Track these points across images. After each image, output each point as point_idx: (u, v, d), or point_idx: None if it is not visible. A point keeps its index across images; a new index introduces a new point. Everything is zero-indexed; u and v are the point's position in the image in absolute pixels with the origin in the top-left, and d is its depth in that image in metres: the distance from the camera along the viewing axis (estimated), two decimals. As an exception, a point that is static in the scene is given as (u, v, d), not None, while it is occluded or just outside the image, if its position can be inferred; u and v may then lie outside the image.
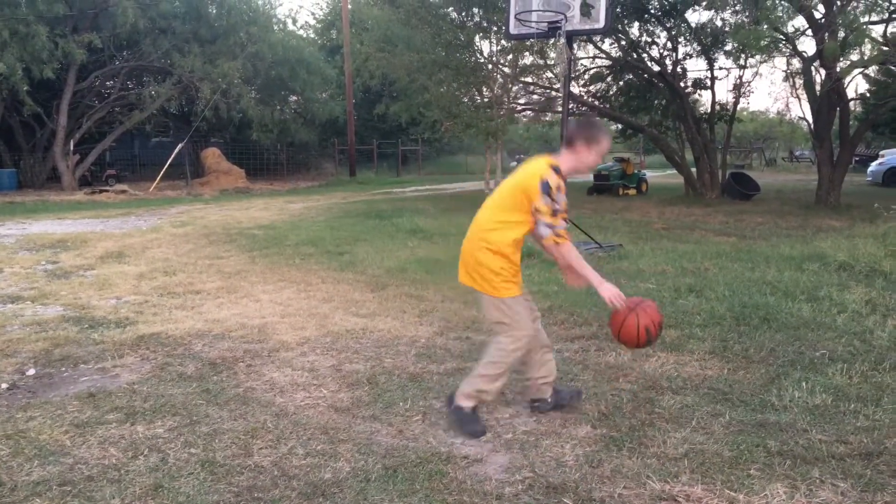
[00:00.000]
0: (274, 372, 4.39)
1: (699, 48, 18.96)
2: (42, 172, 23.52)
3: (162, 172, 23.30)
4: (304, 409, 3.77)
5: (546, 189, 3.26)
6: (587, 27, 8.04)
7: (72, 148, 22.58)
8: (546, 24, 7.91)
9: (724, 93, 44.75)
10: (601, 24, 7.88)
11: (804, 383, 3.95)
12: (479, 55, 14.29)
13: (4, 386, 4.17)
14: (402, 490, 2.87)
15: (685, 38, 19.13)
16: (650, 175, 26.29)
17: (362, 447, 3.28)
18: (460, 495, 2.83)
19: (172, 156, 23.60)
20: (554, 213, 3.30)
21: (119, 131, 24.23)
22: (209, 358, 4.67)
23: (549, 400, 3.70)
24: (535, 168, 3.35)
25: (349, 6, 27.73)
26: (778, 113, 31.27)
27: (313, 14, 53.97)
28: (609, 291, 3.38)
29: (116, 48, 23.64)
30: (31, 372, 4.44)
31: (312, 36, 36.20)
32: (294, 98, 29.95)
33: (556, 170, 3.31)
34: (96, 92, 25.19)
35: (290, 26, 33.07)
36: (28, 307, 6.17)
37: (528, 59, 15.28)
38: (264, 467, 3.09)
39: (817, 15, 14.98)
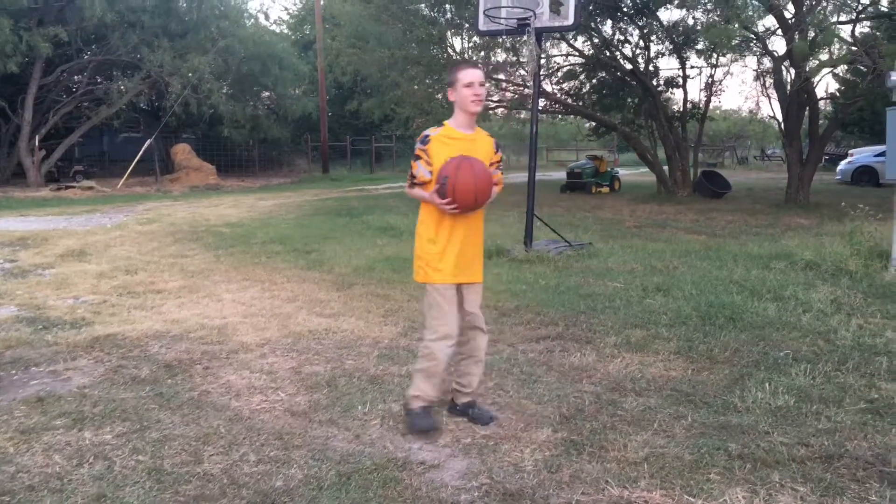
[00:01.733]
0: (231, 374, 4.28)
1: (671, 47, 19.05)
2: (7, 168, 23.06)
3: (130, 168, 22.92)
4: (259, 414, 3.66)
5: None
6: (556, 24, 7.97)
7: (37, 143, 22.15)
8: (515, 20, 7.84)
9: (696, 91, 45.12)
10: (570, 20, 7.83)
11: (767, 384, 3.92)
12: (451, 51, 14.20)
13: (-50, 390, 4.02)
14: (355, 498, 2.78)
15: (657, 37, 19.21)
16: (623, 173, 26.37)
17: (317, 453, 3.19)
18: (414, 503, 2.75)
19: (141, 152, 23.23)
20: (415, 159, 3.40)
21: (86, 126, 23.82)
22: (165, 360, 4.54)
23: (458, 407, 3.63)
24: None
25: (322, 2, 27.50)
26: (749, 112, 31.46)
27: (286, 9, 53.51)
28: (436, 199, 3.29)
29: (83, 42, 23.23)
30: (-21, 375, 4.29)
31: (286, 31, 35.88)
32: (266, 94, 29.67)
33: (439, 124, 3.48)
34: (63, 86, 24.73)
35: (263, 21, 32.83)
36: (-19, 307, 5.99)
37: (500, 57, 15.23)
38: (214, 475, 2.99)
39: (787, 14, 15.11)
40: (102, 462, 3.11)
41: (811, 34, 14.23)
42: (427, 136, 3.36)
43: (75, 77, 25.04)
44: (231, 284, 6.93)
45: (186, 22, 23.65)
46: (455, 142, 3.35)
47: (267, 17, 48.18)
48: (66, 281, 7.04)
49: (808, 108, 16.88)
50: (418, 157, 3.34)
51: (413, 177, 3.38)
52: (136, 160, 23.12)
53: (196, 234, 10.70)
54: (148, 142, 23.45)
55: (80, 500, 2.78)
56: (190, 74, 22.62)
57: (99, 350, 4.78)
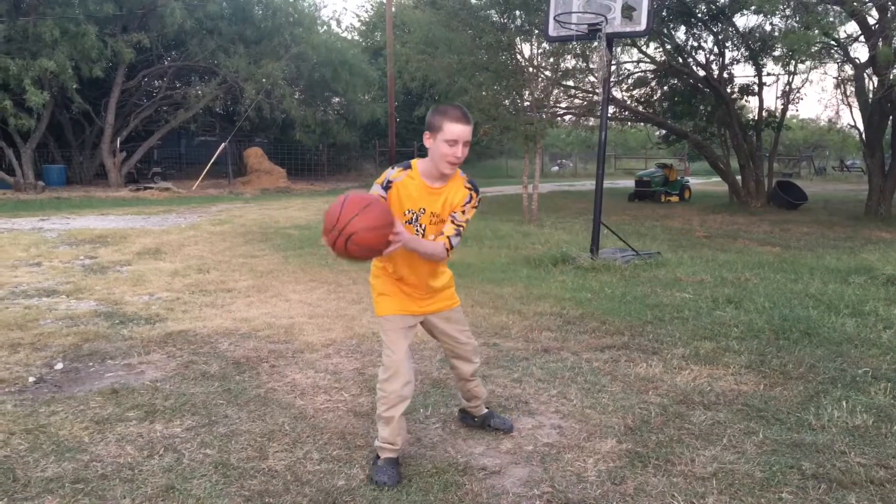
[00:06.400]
0: (297, 373, 4.35)
1: (747, 53, 18.60)
2: (90, 169, 24.06)
3: (205, 171, 23.63)
4: (323, 413, 3.71)
5: None
6: (628, 30, 7.86)
7: (118, 145, 23.04)
8: (586, 26, 7.77)
9: (772, 99, 43.86)
10: (642, 26, 7.70)
11: (844, 402, 3.76)
12: (520, 57, 14.16)
13: (32, 380, 4.20)
14: (416, 501, 2.78)
15: (733, 43, 18.78)
16: (693, 182, 25.84)
17: (379, 454, 3.20)
18: (475, 509, 2.73)
19: (216, 155, 23.93)
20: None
21: (165, 130, 24.67)
22: (234, 357, 4.64)
23: (476, 419, 3.53)
24: None
25: (393, 9, 27.82)
26: (828, 121, 30.43)
27: (358, 16, 54.37)
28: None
29: (164, 48, 24.08)
30: (59, 366, 4.46)
31: (356, 38, 36.44)
32: (336, 99, 30.18)
33: (405, 166, 2.97)
34: (144, 91, 25.70)
35: (335, 28, 33.44)
36: (62, 301, 6.24)
37: (570, 63, 15.13)
38: (278, 471, 3.04)
39: (871, 21, 14.56)
40: (172, 454, 3.19)
41: (896, 40, 13.68)
42: (390, 181, 2.93)
43: (155, 82, 25.98)
44: (298, 285, 7.05)
45: (261, 29, 24.26)
46: (417, 194, 2.96)
47: (339, 24, 49.13)
48: (142, 278, 7.28)
49: (891, 117, 16.22)
50: (380, 180, 2.95)
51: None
52: (210, 163, 23.82)
53: (266, 235, 10.94)
54: (222, 145, 24.15)
55: (150, 491, 2.86)
56: (264, 80, 23.19)
57: (171, 345, 4.92)
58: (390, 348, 3.02)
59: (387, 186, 2.92)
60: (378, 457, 3.05)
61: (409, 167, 2.97)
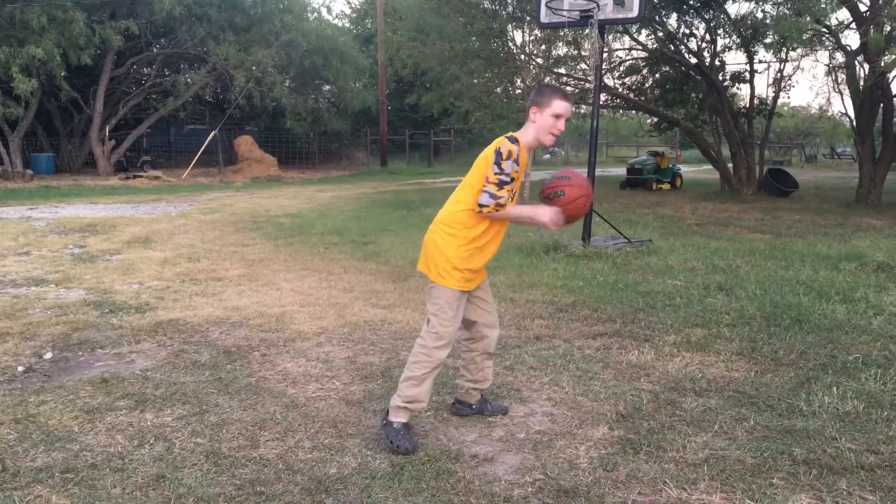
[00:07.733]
0: (288, 362, 4.33)
1: (738, 41, 18.56)
2: (79, 157, 23.87)
3: (195, 159, 23.49)
4: (314, 401, 3.70)
5: (498, 158, 3.06)
6: (620, 16, 7.83)
7: (107, 134, 22.87)
8: (578, 12, 7.73)
9: (763, 87, 43.92)
10: (634, 13, 7.68)
11: (835, 388, 3.78)
12: (512, 45, 14.12)
13: (21, 369, 4.17)
14: (408, 489, 2.78)
15: (724, 30, 18.73)
16: (685, 170, 25.87)
17: (370, 442, 3.20)
18: (467, 496, 2.73)
19: (206, 143, 23.78)
20: (500, 185, 3.05)
21: (154, 118, 24.48)
22: (225, 346, 4.62)
23: (474, 406, 3.55)
24: (495, 141, 3.15)
25: (384, -5, 27.65)
26: (819, 108, 30.51)
27: (349, 3, 54.04)
28: (546, 216, 3.14)
29: (153, 35, 23.86)
30: (49, 355, 4.43)
31: (347, 25, 36.23)
32: (327, 87, 30.01)
33: (513, 140, 3.10)
34: (132, 78, 25.49)
35: (325, 15, 33.26)
36: (51, 290, 6.20)
37: (562, 50, 15.10)
38: (269, 460, 3.03)
39: (862, 8, 14.55)
40: (162, 443, 3.18)
41: (887, 28, 13.68)
42: (516, 139, 3.12)
43: (144, 69, 25.76)
44: (289, 274, 7.02)
45: (251, 16, 24.07)
46: (522, 163, 3.20)
47: (329, 12, 48.83)
48: (132, 267, 7.23)
49: (882, 104, 16.25)
50: (510, 157, 3.06)
51: (503, 184, 3.05)
52: (200, 151, 23.68)
53: (256, 223, 10.89)
54: (212, 133, 24.00)
55: (141, 480, 2.84)
56: (254, 67, 23.04)
57: (161, 334, 4.89)
58: (451, 320, 3.16)
59: (517, 161, 3.10)
60: (388, 419, 3.18)
61: (516, 141, 3.13)
